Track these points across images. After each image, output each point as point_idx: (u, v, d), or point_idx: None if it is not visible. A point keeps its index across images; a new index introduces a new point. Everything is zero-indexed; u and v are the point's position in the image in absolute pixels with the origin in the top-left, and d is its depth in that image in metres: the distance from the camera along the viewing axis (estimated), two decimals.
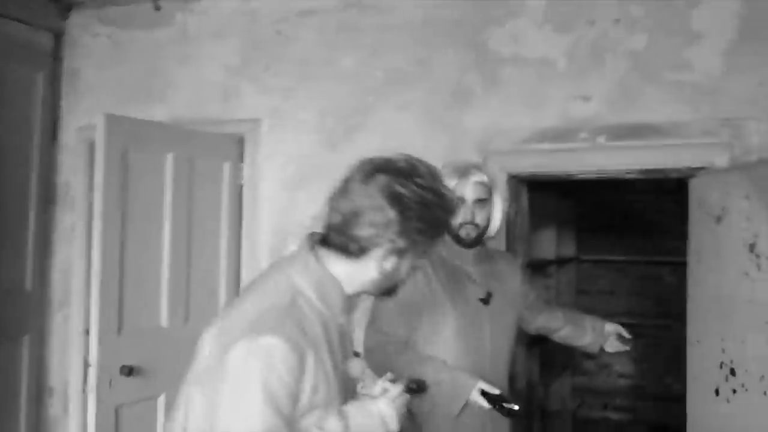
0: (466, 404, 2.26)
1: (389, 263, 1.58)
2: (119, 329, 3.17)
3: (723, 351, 2.68)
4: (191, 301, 3.52)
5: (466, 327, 2.42)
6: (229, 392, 1.44)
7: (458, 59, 3.40)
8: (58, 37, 4.12)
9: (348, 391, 1.64)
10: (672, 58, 3.06)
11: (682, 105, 3.04)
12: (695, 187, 2.98)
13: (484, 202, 2.45)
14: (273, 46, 3.74)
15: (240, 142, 3.77)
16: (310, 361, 1.48)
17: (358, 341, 2.22)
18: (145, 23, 3.99)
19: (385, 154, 1.61)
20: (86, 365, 3.46)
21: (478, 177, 2.44)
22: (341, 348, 1.63)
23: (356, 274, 1.60)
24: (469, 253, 2.49)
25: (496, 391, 2.23)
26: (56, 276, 4.08)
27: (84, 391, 3.72)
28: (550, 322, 2.79)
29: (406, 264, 1.62)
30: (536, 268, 4.66)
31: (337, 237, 1.57)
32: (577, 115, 3.20)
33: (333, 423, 1.52)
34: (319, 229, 1.65)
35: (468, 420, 2.32)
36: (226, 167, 3.72)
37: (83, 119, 4.02)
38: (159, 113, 3.86)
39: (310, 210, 3.60)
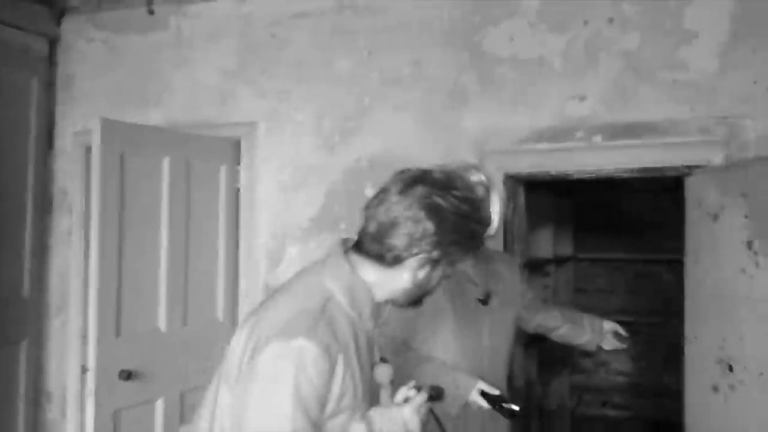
0: (466, 404, 2.27)
1: (422, 273, 1.60)
2: (117, 333, 3.17)
3: (721, 347, 2.69)
4: (189, 305, 3.51)
5: (464, 327, 2.42)
6: (259, 392, 1.46)
7: (454, 60, 3.40)
8: (53, 42, 4.12)
9: (373, 396, 1.65)
10: (666, 57, 3.07)
11: (677, 104, 3.05)
12: (692, 185, 2.99)
13: None
14: (268, 49, 3.74)
15: (236, 145, 3.77)
16: (340, 365, 1.50)
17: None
18: (139, 28, 3.99)
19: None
20: (84, 369, 3.46)
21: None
22: (368, 354, 1.65)
23: (388, 282, 1.61)
24: None
25: (496, 392, 2.23)
26: (54, 281, 4.08)
27: (82, 395, 3.72)
28: (548, 321, 2.80)
29: (437, 274, 1.64)
30: (534, 267, 4.67)
31: (372, 245, 1.58)
32: (573, 114, 3.21)
33: (358, 428, 1.53)
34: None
35: (467, 420, 2.32)
36: (223, 170, 3.72)
37: (79, 124, 4.02)
38: (155, 117, 3.86)
39: (308, 212, 3.61)
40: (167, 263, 3.41)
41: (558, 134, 3.23)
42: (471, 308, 2.45)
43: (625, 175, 3.24)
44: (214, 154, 3.70)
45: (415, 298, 1.67)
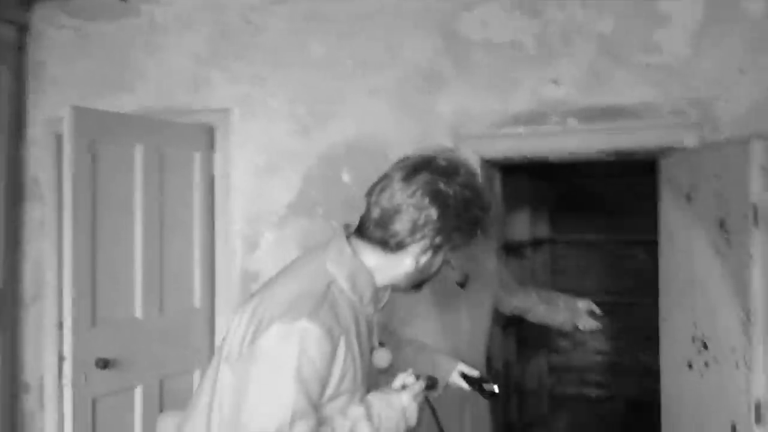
0: (446, 386, 2.28)
1: (424, 258, 1.61)
2: (93, 322, 3.14)
3: (695, 325, 2.73)
4: (165, 292, 3.49)
5: (443, 310, 2.44)
6: (261, 373, 1.47)
7: (428, 45, 3.39)
8: (22, 29, 4.04)
9: (372, 380, 1.67)
10: (641, 41, 3.09)
11: (651, 87, 3.07)
12: (666, 166, 3.02)
13: None
14: (242, 34, 3.71)
15: (210, 131, 3.73)
16: (342, 348, 1.51)
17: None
18: (111, 15, 3.92)
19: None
20: (61, 359, 3.43)
21: None
22: (368, 338, 1.66)
23: (390, 267, 1.62)
24: None
25: (476, 373, 2.24)
26: (28, 270, 4.03)
27: (60, 384, 3.69)
28: (525, 302, 2.83)
29: (439, 259, 1.65)
30: (511, 249, 4.70)
31: (375, 231, 1.59)
32: (547, 98, 3.22)
33: (356, 411, 1.55)
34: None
35: (447, 401, 2.34)
36: (197, 157, 3.69)
37: (50, 112, 3.95)
38: (128, 105, 3.81)
39: (284, 198, 3.60)
40: (142, 251, 3.37)
41: (533, 118, 3.24)
42: (449, 291, 2.46)
43: (601, 157, 3.26)
44: (188, 140, 3.66)
45: (416, 283, 1.69)
